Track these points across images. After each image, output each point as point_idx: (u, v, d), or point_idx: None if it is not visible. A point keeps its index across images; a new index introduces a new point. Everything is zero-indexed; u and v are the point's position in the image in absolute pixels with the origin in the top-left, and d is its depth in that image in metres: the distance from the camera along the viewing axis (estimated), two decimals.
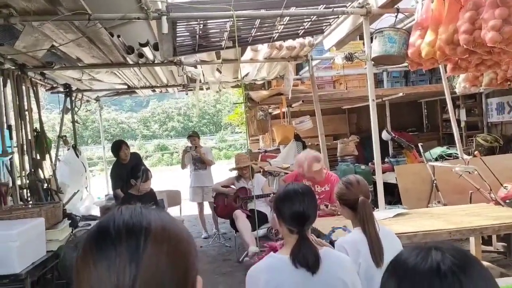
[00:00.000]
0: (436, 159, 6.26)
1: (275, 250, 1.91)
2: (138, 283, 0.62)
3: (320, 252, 1.71)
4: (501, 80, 4.19)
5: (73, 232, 3.88)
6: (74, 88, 6.85)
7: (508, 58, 3.15)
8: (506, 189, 4.91)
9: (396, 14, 3.77)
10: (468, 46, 2.79)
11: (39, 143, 5.29)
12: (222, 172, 7.33)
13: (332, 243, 2.38)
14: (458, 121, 7.75)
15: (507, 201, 4.78)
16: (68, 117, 7.18)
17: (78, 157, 6.79)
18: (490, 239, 4.88)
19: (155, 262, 0.64)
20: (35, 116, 5.48)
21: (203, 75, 6.69)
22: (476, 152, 6.15)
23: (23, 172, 4.93)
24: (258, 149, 9.06)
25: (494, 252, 4.87)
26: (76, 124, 7.46)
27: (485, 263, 4.02)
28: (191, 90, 8.10)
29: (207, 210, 6.81)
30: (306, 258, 1.65)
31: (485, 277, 0.72)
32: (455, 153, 6.21)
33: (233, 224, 5.40)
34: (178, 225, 0.71)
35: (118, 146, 5.86)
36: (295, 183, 1.93)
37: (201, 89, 7.85)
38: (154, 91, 8.14)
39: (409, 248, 0.78)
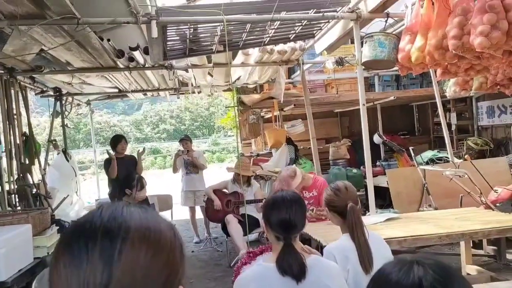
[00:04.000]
0: (427, 163, 6.29)
1: (256, 255, 1.89)
2: None
3: (308, 260, 1.69)
4: (490, 84, 4.22)
5: None
6: (64, 91, 6.79)
7: (497, 63, 3.18)
8: (497, 192, 4.93)
9: (386, 19, 3.78)
10: (457, 51, 2.80)
11: (28, 147, 5.23)
12: (215, 175, 7.31)
13: (321, 249, 2.37)
14: (449, 125, 7.79)
15: (498, 204, 4.81)
16: (58, 121, 7.12)
17: (68, 161, 6.73)
18: (480, 242, 4.90)
19: (130, 270, 0.58)
20: (24, 120, 5.42)
21: (195, 78, 6.67)
22: (466, 156, 6.20)
23: (11, 177, 4.86)
24: (250, 152, 9.05)
25: (485, 256, 4.88)
26: (66, 128, 7.40)
27: (475, 267, 4.04)
28: (182, 93, 8.07)
29: (199, 214, 6.78)
30: (291, 266, 1.64)
31: None
32: (446, 157, 6.24)
33: (224, 229, 5.37)
34: (162, 229, 0.64)
35: (117, 139, 5.93)
36: (284, 191, 1.92)
37: (193, 92, 7.83)
38: (145, 94, 8.10)
39: (393, 262, 0.77)
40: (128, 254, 0.59)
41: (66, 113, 7.16)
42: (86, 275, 0.57)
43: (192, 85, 6.98)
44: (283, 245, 1.70)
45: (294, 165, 6.39)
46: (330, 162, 7.72)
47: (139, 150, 6.10)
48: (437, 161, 6.42)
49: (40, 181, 5.41)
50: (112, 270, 0.57)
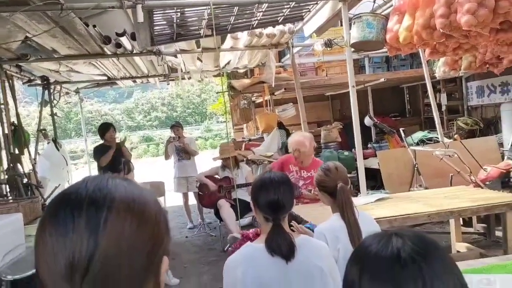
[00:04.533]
0: (417, 144, 6.33)
1: (249, 238, 1.90)
2: (95, 259, 0.57)
3: (297, 240, 1.71)
4: (479, 63, 4.22)
5: None
6: (52, 80, 6.71)
7: (484, 41, 3.18)
8: (486, 171, 4.99)
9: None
10: (445, 30, 2.80)
11: (17, 137, 5.19)
12: (208, 161, 7.31)
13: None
14: (439, 105, 7.83)
15: (487, 183, 4.87)
16: (47, 110, 7.05)
17: (58, 150, 6.69)
18: (470, 221, 4.97)
19: (115, 239, 0.59)
20: (13, 110, 5.36)
21: (184, 64, 6.61)
22: (456, 136, 6.24)
23: (1, 167, 4.83)
24: (242, 138, 9.04)
25: (475, 233, 4.96)
26: (56, 117, 7.32)
27: (465, 244, 4.11)
28: (172, 80, 8.01)
29: (192, 200, 6.79)
30: (280, 246, 1.65)
31: (446, 263, 0.72)
32: (436, 137, 6.28)
33: (217, 214, 5.40)
34: (147, 200, 0.65)
35: (106, 127, 5.80)
36: (272, 172, 1.92)
37: (183, 78, 7.77)
38: (135, 81, 8.03)
39: (373, 235, 0.78)
40: (114, 224, 0.60)
41: (55, 102, 7.08)
42: (72, 243, 0.58)
43: (181, 70, 6.92)
44: (272, 226, 1.71)
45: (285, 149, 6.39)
46: (322, 145, 7.72)
47: (120, 139, 6.00)
48: (428, 142, 6.47)
49: (30, 171, 5.38)
50: (98, 238, 0.58)
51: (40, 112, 6.70)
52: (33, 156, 5.76)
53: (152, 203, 0.66)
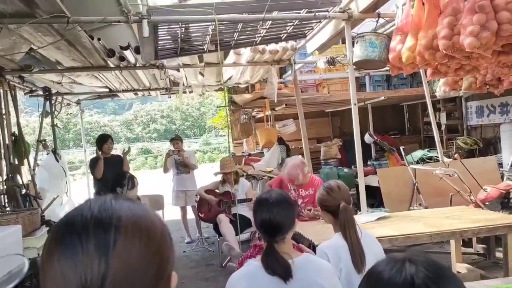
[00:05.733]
0: (417, 162, 6.34)
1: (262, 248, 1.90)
2: (108, 281, 0.57)
3: (297, 259, 1.69)
4: (480, 84, 4.26)
5: None
6: (54, 91, 6.73)
7: (486, 63, 3.21)
8: (486, 191, 4.99)
9: (377, 19, 3.80)
10: (447, 51, 2.82)
11: (17, 147, 5.18)
12: (206, 175, 7.29)
13: (314, 248, 2.38)
14: (439, 124, 7.87)
15: (487, 203, 4.87)
16: (48, 121, 7.05)
17: (58, 161, 6.67)
18: (470, 241, 4.95)
19: (126, 259, 0.59)
20: (14, 120, 5.36)
21: (186, 78, 6.65)
22: (456, 155, 6.25)
23: (0, 177, 4.81)
24: (242, 152, 9.04)
25: (475, 254, 4.93)
26: (56, 128, 7.33)
27: (465, 265, 4.08)
28: (174, 93, 8.04)
29: (190, 214, 6.75)
30: (273, 268, 1.64)
31: None
32: (436, 156, 6.29)
33: (216, 229, 5.36)
34: (152, 218, 0.67)
35: (104, 139, 5.80)
36: (273, 191, 1.91)
37: (184, 92, 7.80)
38: (136, 94, 8.06)
39: (385, 260, 0.78)
40: (123, 243, 0.60)
41: (56, 112, 7.09)
42: (83, 266, 0.57)
43: (183, 84, 6.96)
44: (265, 246, 1.70)
45: None
46: (322, 161, 7.73)
47: (124, 149, 6.02)
48: (427, 161, 6.48)
49: (29, 182, 5.36)
50: (109, 259, 0.58)
51: (41, 122, 6.70)
52: (32, 167, 5.74)
53: (156, 220, 0.67)
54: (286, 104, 7.33)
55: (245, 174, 6.49)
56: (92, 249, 0.58)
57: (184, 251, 6.31)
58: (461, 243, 4.58)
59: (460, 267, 4.10)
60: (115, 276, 0.58)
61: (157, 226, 0.66)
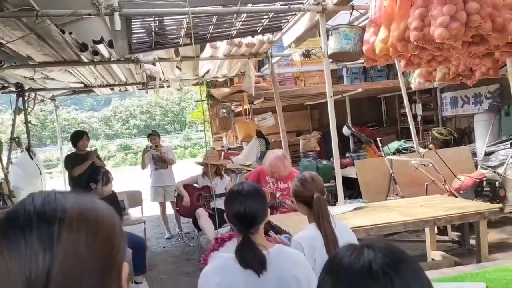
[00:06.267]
0: (394, 153, 6.43)
1: (224, 241, 1.89)
2: (53, 274, 0.57)
3: (271, 250, 1.70)
4: (453, 75, 4.33)
5: None
6: (26, 87, 6.57)
7: (457, 54, 3.26)
8: (460, 180, 5.10)
9: (351, 11, 3.82)
10: (419, 43, 2.86)
11: None
12: (187, 170, 7.24)
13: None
14: (415, 116, 7.98)
15: (461, 192, 4.98)
16: (21, 118, 6.88)
17: (32, 159, 6.53)
18: (445, 229, 5.06)
19: (72, 251, 0.59)
20: None
21: (163, 72, 6.57)
22: (431, 145, 6.36)
23: None
24: (222, 146, 9.01)
25: (449, 241, 5.05)
26: (31, 125, 7.16)
27: (440, 253, 4.17)
28: (151, 88, 7.94)
29: (170, 210, 6.71)
30: (249, 261, 1.64)
31: (418, 276, 0.72)
32: (412, 147, 6.39)
33: (195, 223, 5.34)
34: (100, 209, 0.66)
35: (79, 135, 5.65)
36: (244, 183, 1.91)
37: (162, 87, 7.71)
38: (112, 89, 7.93)
39: (345, 247, 0.78)
40: (68, 234, 0.59)
41: (29, 109, 6.93)
42: (27, 259, 0.57)
43: (160, 79, 6.88)
44: (241, 239, 1.70)
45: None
46: (301, 154, 7.77)
47: (91, 150, 5.88)
48: (404, 151, 6.57)
49: (3, 180, 5.24)
50: (54, 251, 0.58)
51: (14, 120, 6.54)
52: (5, 165, 5.60)
53: (104, 209, 0.67)
54: (264, 98, 7.33)
55: (224, 168, 6.47)
56: (36, 243, 0.57)
57: (163, 247, 6.28)
58: (436, 232, 4.67)
59: (435, 255, 4.19)
60: (60, 268, 0.57)
61: (105, 214, 0.66)
